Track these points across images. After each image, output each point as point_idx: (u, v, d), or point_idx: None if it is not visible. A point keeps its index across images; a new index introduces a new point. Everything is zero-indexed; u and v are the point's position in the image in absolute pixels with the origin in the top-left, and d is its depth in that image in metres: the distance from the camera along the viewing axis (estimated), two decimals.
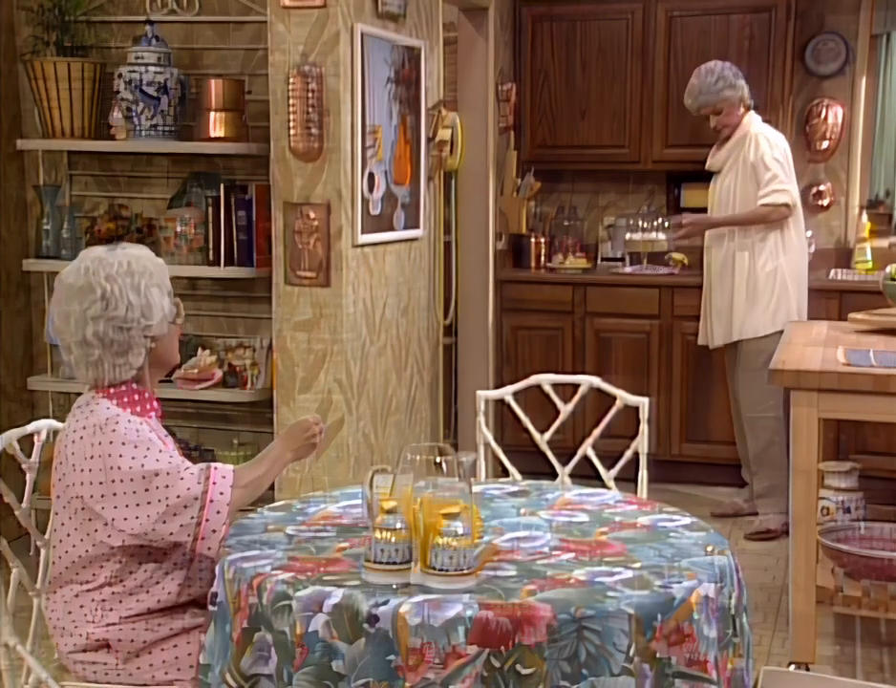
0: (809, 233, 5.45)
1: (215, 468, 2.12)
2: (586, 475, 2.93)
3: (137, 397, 2.19)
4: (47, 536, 2.35)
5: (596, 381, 2.92)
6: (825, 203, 5.58)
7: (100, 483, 2.06)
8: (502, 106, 5.43)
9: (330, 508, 2.31)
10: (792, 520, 3.17)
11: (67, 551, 2.14)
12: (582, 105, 5.58)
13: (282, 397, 3.80)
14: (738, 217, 4.58)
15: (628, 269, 5.50)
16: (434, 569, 1.88)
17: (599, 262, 5.74)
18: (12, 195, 4.43)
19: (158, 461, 2.08)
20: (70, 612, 2.16)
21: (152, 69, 4.01)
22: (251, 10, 4.03)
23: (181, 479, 2.07)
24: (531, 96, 5.62)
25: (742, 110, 4.57)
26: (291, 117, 3.64)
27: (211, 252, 3.98)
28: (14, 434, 2.29)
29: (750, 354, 4.60)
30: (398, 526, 1.89)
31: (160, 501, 2.05)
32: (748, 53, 5.33)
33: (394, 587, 1.87)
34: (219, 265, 3.97)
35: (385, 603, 1.81)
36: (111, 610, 2.14)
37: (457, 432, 5.37)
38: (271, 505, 2.36)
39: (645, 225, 5.50)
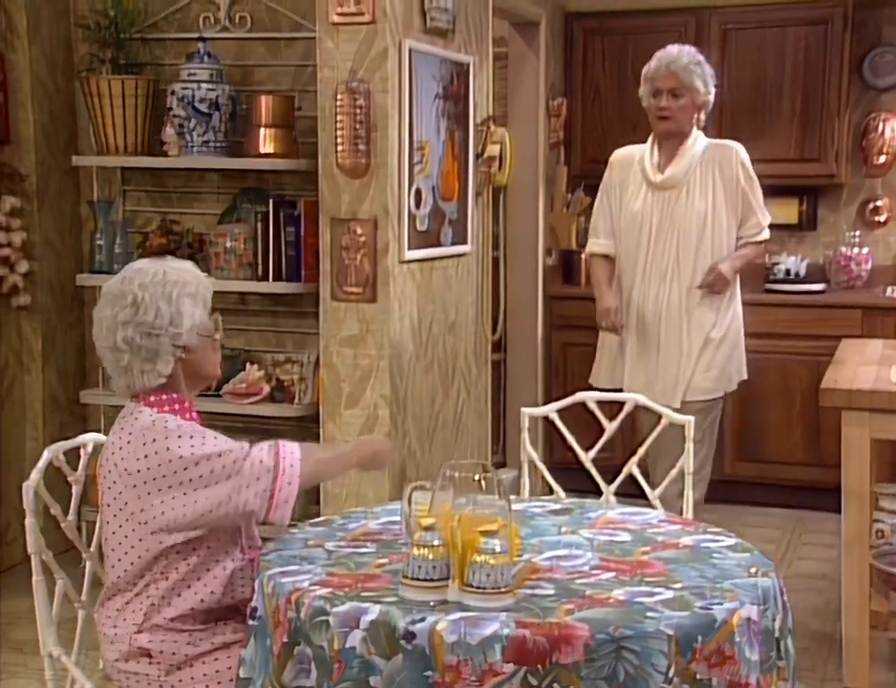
0: (866, 250, 5.38)
1: (283, 444, 2.19)
2: (632, 493, 2.92)
3: (177, 405, 2.23)
4: (92, 548, 2.39)
5: (641, 399, 2.91)
6: (882, 218, 5.51)
7: (163, 476, 2.10)
8: (553, 121, 5.44)
9: (370, 525, 2.33)
10: (844, 543, 3.13)
11: (120, 559, 2.18)
12: (633, 120, 5.52)
13: (328, 413, 3.83)
14: (751, 255, 3.82)
15: None
16: (471, 586, 1.88)
17: None
18: (67, 210, 4.53)
19: (217, 444, 2.15)
20: (118, 621, 2.20)
21: (204, 85, 4.08)
22: (302, 26, 4.08)
23: (249, 454, 2.14)
24: (582, 110, 5.63)
25: (695, 118, 3.74)
26: (339, 133, 3.69)
27: (260, 268, 4.04)
28: (61, 447, 2.34)
29: (699, 414, 3.54)
30: (436, 542, 1.90)
31: (230, 476, 2.11)
32: (804, 66, 5.29)
33: (432, 604, 1.88)
34: (267, 280, 4.03)
35: (422, 620, 1.82)
36: (156, 611, 2.18)
37: (505, 449, 5.37)
38: (312, 521, 2.39)
39: None
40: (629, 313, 3.80)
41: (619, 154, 3.90)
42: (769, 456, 5.21)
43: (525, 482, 2.88)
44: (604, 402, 2.96)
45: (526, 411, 2.91)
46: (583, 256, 5.10)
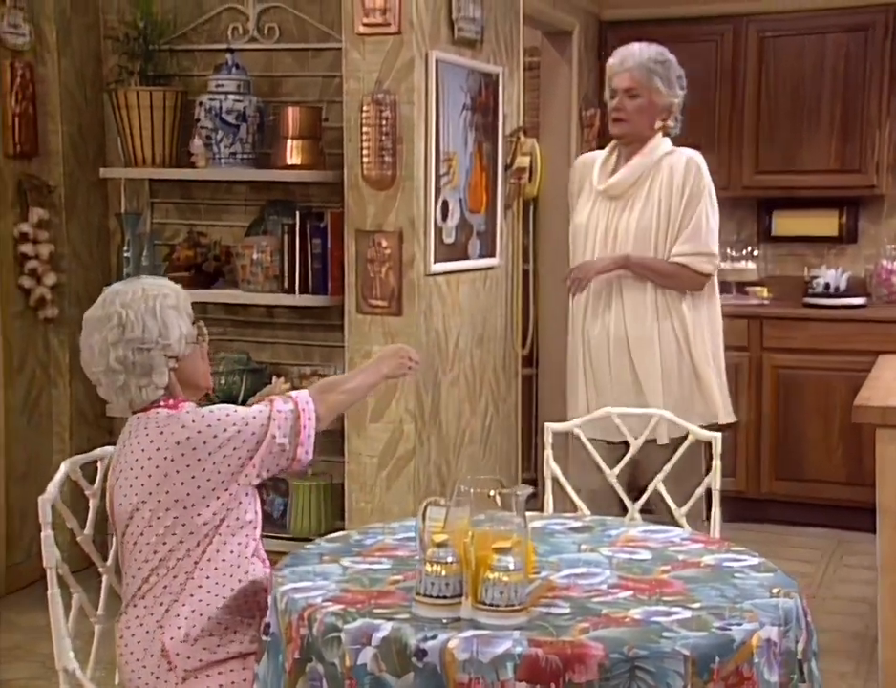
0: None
1: (294, 393, 2.37)
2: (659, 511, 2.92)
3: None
4: (109, 562, 2.44)
5: (667, 414, 2.91)
6: None
7: (196, 447, 2.21)
8: (586, 132, 5.45)
9: (387, 540, 2.34)
10: (880, 565, 3.10)
11: (147, 560, 2.24)
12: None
13: (352, 427, 3.86)
14: (664, 267, 3.40)
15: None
16: (484, 603, 1.89)
17: None
18: (95, 222, 4.61)
19: (240, 409, 2.29)
20: (142, 621, 2.25)
21: (231, 97, 4.14)
22: (330, 36, 4.13)
23: (267, 407, 2.29)
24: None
25: (659, 124, 3.42)
26: (365, 144, 3.73)
27: (286, 280, 4.08)
28: (78, 460, 2.39)
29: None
30: (449, 559, 1.92)
31: (262, 425, 2.26)
32: (843, 75, 5.28)
33: (444, 621, 1.89)
34: (294, 293, 4.07)
35: (433, 637, 1.83)
36: (178, 603, 2.24)
37: (537, 465, 5.37)
38: (329, 537, 2.41)
39: (734, 253, 5.46)
40: (578, 340, 3.52)
41: (580, 159, 3.70)
42: (808, 474, 5.17)
43: (549, 498, 2.89)
44: (630, 417, 2.96)
45: (550, 426, 2.92)
46: None
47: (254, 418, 2.28)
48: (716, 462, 2.80)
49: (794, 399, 5.17)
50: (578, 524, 2.52)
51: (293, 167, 4.10)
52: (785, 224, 5.48)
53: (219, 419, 2.25)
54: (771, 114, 5.40)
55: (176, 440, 2.22)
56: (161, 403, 2.30)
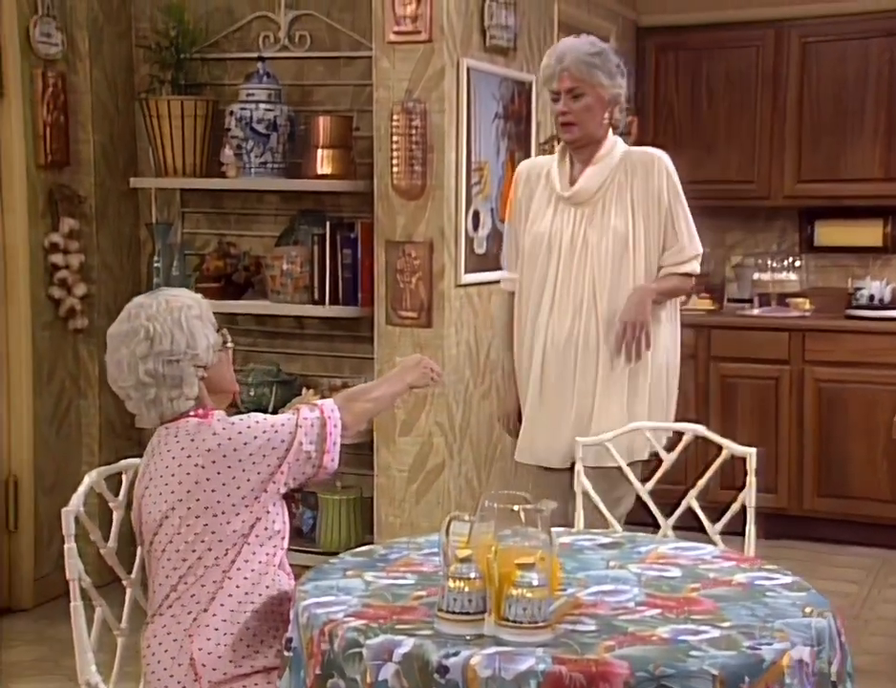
0: None
1: (319, 402, 2.42)
2: (693, 527, 2.91)
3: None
4: (133, 575, 2.47)
5: (700, 429, 2.90)
6: None
7: (225, 455, 2.25)
8: (623, 139, 5.43)
9: (412, 555, 2.36)
10: None
11: (175, 567, 2.27)
12: (707, 139, 5.56)
13: (381, 440, 3.88)
14: (674, 286, 3.22)
15: (756, 312, 5.43)
16: (507, 620, 1.90)
17: (725, 303, 5.69)
18: (126, 233, 4.67)
19: (269, 417, 2.33)
20: (170, 629, 2.28)
21: (262, 106, 4.18)
22: (362, 45, 4.16)
23: (299, 416, 2.34)
24: (654, 129, 5.63)
25: (607, 119, 3.19)
26: (395, 154, 3.75)
27: (316, 291, 4.11)
28: (102, 472, 2.43)
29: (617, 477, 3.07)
30: (472, 575, 1.93)
31: (290, 432, 2.30)
32: (888, 80, 5.24)
33: (467, 637, 1.90)
34: (324, 304, 4.10)
35: (456, 654, 1.84)
36: (205, 612, 2.27)
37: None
38: (354, 551, 2.42)
39: (775, 264, 5.43)
40: (532, 357, 3.21)
41: (526, 164, 3.40)
42: (852, 491, 5.12)
43: (579, 514, 2.89)
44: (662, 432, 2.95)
45: (580, 440, 2.92)
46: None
47: (282, 425, 2.32)
48: (751, 479, 2.79)
49: (836, 414, 5.12)
50: (607, 540, 2.52)
51: (324, 177, 4.14)
52: (828, 233, 5.45)
53: (249, 427, 2.29)
54: (813, 121, 5.37)
55: (207, 447, 2.26)
56: (191, 413, 2.34)
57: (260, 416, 2.35)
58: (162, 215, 4.61)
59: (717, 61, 5.54)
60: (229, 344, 2.44)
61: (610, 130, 3.22)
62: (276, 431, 2.30)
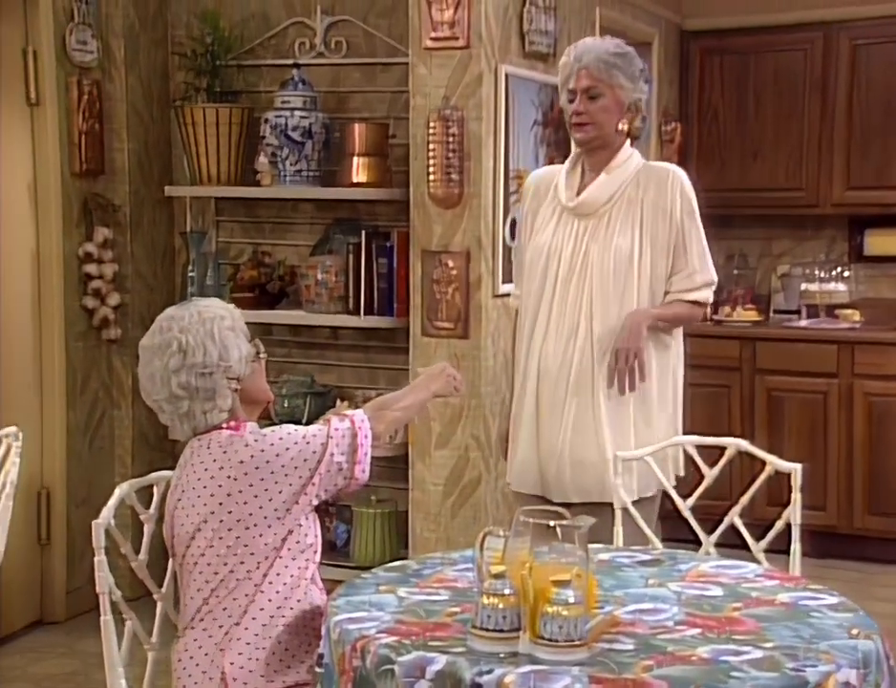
0: None
1: (349, 413, 2.45)
2: (737, 545, 2.89)
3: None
4: (164, 589, 2.49)
5: (744, 444, 2.88)
6: None
7: (257, 467, 2.27)
8: (666, 147, 5.44)
9: (446, 571, 2.36)
10: None
11: (207, 581, 2.29)
12: (754, 145, 5.53)
13: (417, 453, 3.89)
14: (678, 313, 3.04)
15: (803, 323, 5.39)
16: (542, 638, 1.90)
17: (771, 314, 5.66)
18: (160, 242, 4.72)
19: (300, 429, 2.35)
20: (200, 643, 2.30)
21: (297, 113, 4.22)
22: (399, 51, 4.18)
23: (330, 427, 2.36)
24: (698, 135, 5.62)
25: (624, 126, 3.02)
26: (431, 162, 3.77)
27: (351, 301, 4.14)
28: (133, 484, 2.46)
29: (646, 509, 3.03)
30: (507, 591, 1.93)
31: (322, 443, 2.32)
32: None
33: (501, 655, 1.90)
34: (359, 314, 4.12)
35: (489, 672, 1.84)
36: (237, 627, 2.28)
37: None
38: (387, 566, 2.43)
39: (823, 274, 5.39)
40: (526, 381, 3.07)
41: (535, 176, 3.25)
42: None
43: (618, 530, 2.88)
44: (704, 447, 2.94)
45: (620, 454, 2.91)
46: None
47: (314, 436, 2.34)
48: (795, 495, 2.76)
49: (888, 429, 5.07)
50: (647, 557, 2.51)
51: (359, 185, 4.16)
52: (878, 242, 5.40)
53: (280, 439, 2.31)
54: (863, 126, 5.33)
55: (239, 459, 2.28)
56: (224, 425, 2.36)
57: (291, 427, 2.36)
58: (197, 224, 4.65)
59: (764, 65, 5.52)
60: (262, 354, 2.46)
61: (628, 141, 3.06)
62: (308, 443, 2.32)
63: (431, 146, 3.78)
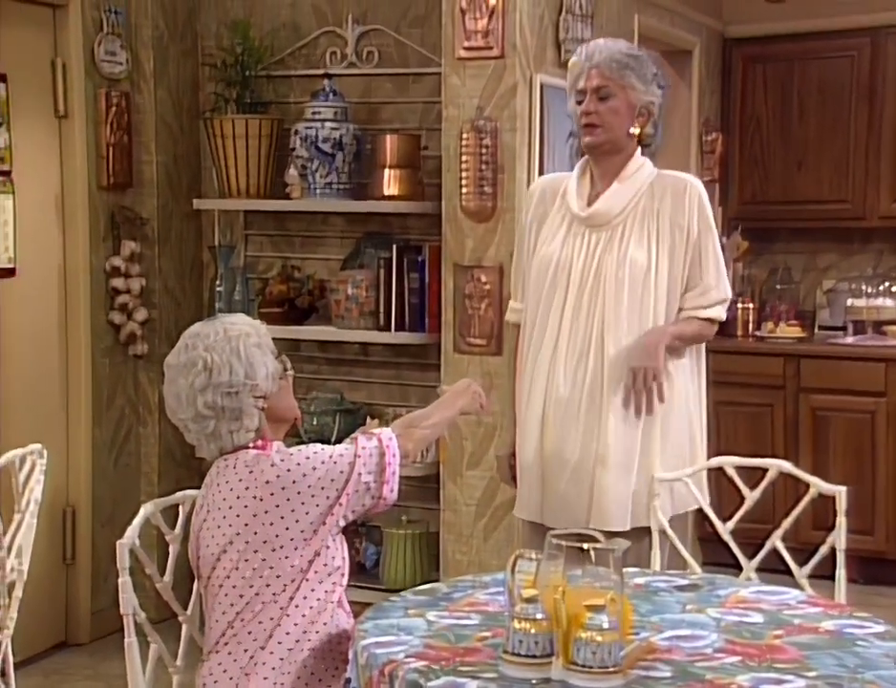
0: None
1: (377, 431, 2.46)
2: (779, 570, 2.87)
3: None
4: (189, 612, 2.51)
5: (786, 466, 2.87)
6: None
7: (284, 487, 2.29)
8: (707, 158, 5.43)
9: (477, 595, 2.36)
10: None
11: (233, 604, 2.31)
12: (798, 155, 5.51)
13: (449, 473, 3.89)
14: (692, 330, 2.97)
15: (849, 340, 5.36)
16: (576, 664, 1.90)
17: (816, 331, 5.63)
18: (188, 256, 4.76)
19: (326, 449, 2.36)
20: (225, 667, 2.31)
21: (328, 124, 4.25)
22: (432, 61, 4.20)
23: (357, 446, 2.37)
24: (740, 146, 5.61)
25: (635, 130, 2.95)
26: (464, 174, 3.79)
27: (382, 316, 4.15)
28: (159, 504, 2.48)
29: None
30: (539, 616, 1.93)
31: (349, 463, 2.34)
32: None
33: (533, 681, 1.90)
34: (390, 330, 4.14)
35: None
36: (262, 650, 2.30)
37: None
38: (416, 589, 2.44)
39: (870, 289, 5.35)
40: (530, 404, 2.98)
41: (541, 182, 3.19)
42: None
43: (656, 553, 2.87)
44: (744, 468, 2.93)
45: (657, 475, 2.90)
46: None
47: (341, 455, 2.35)
48: (840, 519, 2.74)
49: None
50: (684, 581, 2.50)
51: (391, 198, 4.18)
52: None
53: (307, 458, 2.32)
54: None
55: (266, 479, 2.29)
56: (250, 445, 2.38)
57: (318, 446, 2.37)
58: (225, 238, 4.69)
59: (809, 72, 5.50)
60: (290, 371, 2.47)
61: (640, 149, 2.99)
62: (335, 462, 2.33)
63: (464, 158, 3.79)
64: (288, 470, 2.30)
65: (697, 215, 2.93)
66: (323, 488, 2.31)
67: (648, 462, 2.92)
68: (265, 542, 2.29)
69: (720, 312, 2.99)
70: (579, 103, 2.97)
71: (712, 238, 2.96)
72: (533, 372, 2.98)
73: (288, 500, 2.29)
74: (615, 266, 2.90)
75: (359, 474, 2.34)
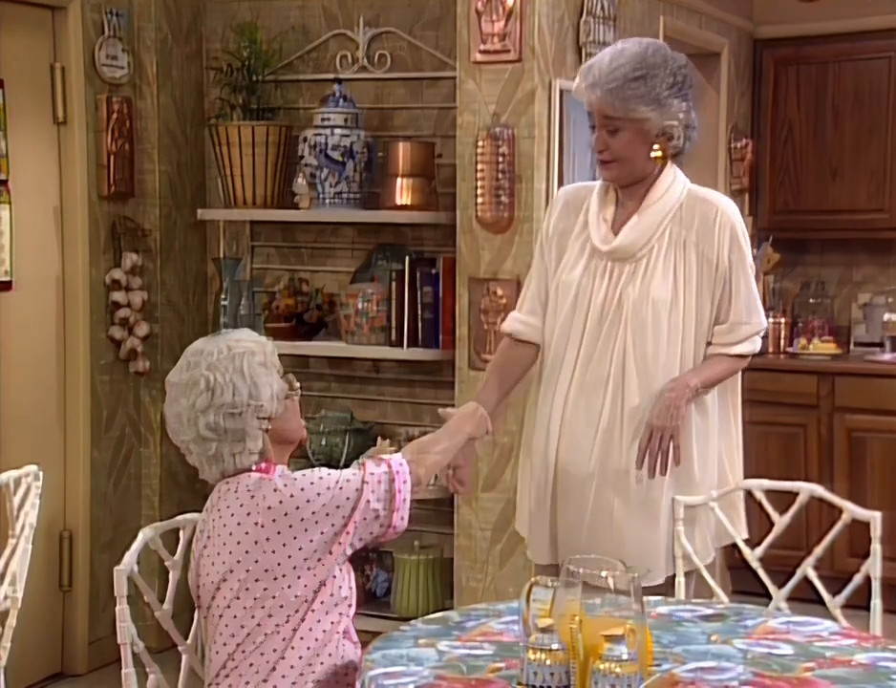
0: None
1: (387, 457, 2.45)
2: (811, 599, 2.87)
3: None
4: (189, 641, 2.52)
5: (818, 490, 2.87)
6: None
7: (286, 513, 2.29)
8: (735, 166, 5.43)
9: (490, 624, 2.37)
10: None
11: (234, 634, 2.31)
12: (832, 163, 5.50)
13: (463, 496, 3.90)
14: (722, 373, 2.92)
15: (887, 357, 5.34)
16: None
17: (851, 347, 5.61)
18: (192, 268, 4.79)
19: (333, 474, 2.36)
20: None
21: (338, 131, 4.27)
22: (446, 65, 4.22)
23: (365, 472, 2.37)
24: (771, 153, 5.61)
25: (657, 153, 2.84)
26: (479, 183, 3.80)
27: (394, 332, 4.16)
28: (158, 528, 2.49)
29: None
30: (554, 646, 1.94)
31: (357, 489, 2.34)
32: None
33: None
34: (402, 346, 4.15)
35: None
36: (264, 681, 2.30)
37: None
38: (427, 617, 2.44)
39: None
40: (547, 444, 2.93)
41: (566, 191, 3.08)
42: None
43: (680, 580, 2.87)
44: (773, 492, 2.92)
45: (681, 499, 2.90)
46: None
47: (348, 481, 2.35)
48: (875, 546, 2.74)
49: None
50: (710, 611, 2.50)
51: (403, 208, 4.20)
52: None
53: (312, 483, 2.33)
54: None
55: (267, 504, 2.30)
56: (253, 468, 2.39)
57: (324, 471, 2.38)
58: (231, 249, 4.71)
59: (844, 76, 5.49)
60: (296, 391, 2.47)
61: (668, 164, 2.86)
62: (341, 488, 2.34)
63: (479, 167, 3.81)
64: (292, 496, 2.30)
65: (729, 246, 2.84)
66: (328, 515, 2.31)
67: (665, 527, 2.88)
68: (266, 570, 2.29)
69: (752, 347, 2.92)
70: (592, 128, 2.88)
71: (744, 270, 2.87)
72: (550, 410, 2.93)
73: (291, 527, 2.29)
74: (636, 300, 2.83)
75: (367, 501, 2.34)
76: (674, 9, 4.82)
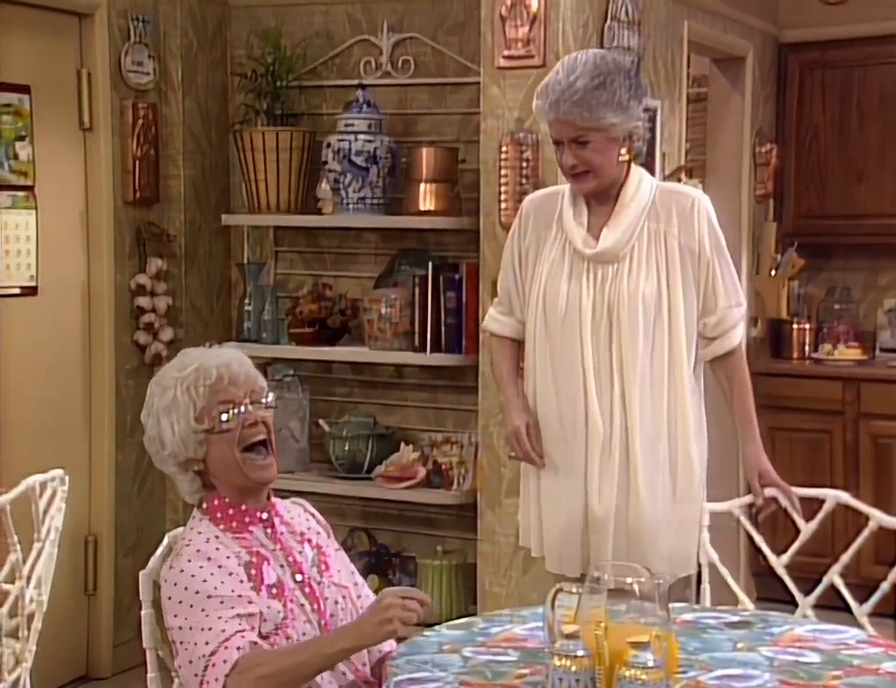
0: None
1: (226, 647, 2.12)
2: (837, 607, 2.85)
3: (231, 511, 2.31)
4: (151, 673, 2.41)
5: (844, 496, 2.85)
6: None
7: (179, 600, 2.19)
8: (760, 171, 5.41)
9: (515, 630, 2.36)
10: None
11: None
12: (858, 167, 5.48)
13: (486, 501, 3.90)
14: (751, 400, 3.13)
15: None
16: None
17: (877, 353, 5.58)
18: (216, 274, 4.80)
19: (214, 599, 2.16)
20: None
21: (361, 137, 4.28)
22: (470, 70, 4.22)
23: (217, 648, 2.12)
24: (796, 157, 5.58)
25: (625, 156, 2.88)
26: (503, 188, 3.80)
27: (417, 337, 4.17)
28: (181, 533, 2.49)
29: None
30: (580, 653, 1.92)
31: (203, 655, 2.13)
32: None
33: None
34: (425, 351, 4.15)
35: None
36: None
37: None
38: (451, 623, 2.44)
39: None
40: (569, 456, 2.97)
41: (533, 200, 3.08)
42: None
43: (706, 588, 2.86)
44: (801, 499, 2.91)
45: (707, 506, 2.89)
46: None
47: (206, 644, 2.13)
48: None
49: None
50: (735, 618, 2.49)
51: (427, 213, 4.20)
52: None
53: (191, 606, 2.16)
54: None
55: (164, 577, 2.24)
56: (204, 505, 2.32)
57: (208, 586, 2.17)
58: (255, 254, 4.73)
59: (870, 80, 5.46)
60: (225, 425, 2.25)
61: (632, 166, 2.92)
62: (195, 644, 2.14)
63: (503, 172, 3.80)
64: (175, 584, 2.19)
65: (708, 237, 2.90)
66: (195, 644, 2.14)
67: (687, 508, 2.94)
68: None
69: (742, 331, 3.01)
70: (556, 145, 2.90)
71: (724, 257, 2.94)
72: (548, 418, 2.97)
73: (187, 618, 2.17)
74: (624, 300, 2.86)
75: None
76: (699, 13, 4.81)
